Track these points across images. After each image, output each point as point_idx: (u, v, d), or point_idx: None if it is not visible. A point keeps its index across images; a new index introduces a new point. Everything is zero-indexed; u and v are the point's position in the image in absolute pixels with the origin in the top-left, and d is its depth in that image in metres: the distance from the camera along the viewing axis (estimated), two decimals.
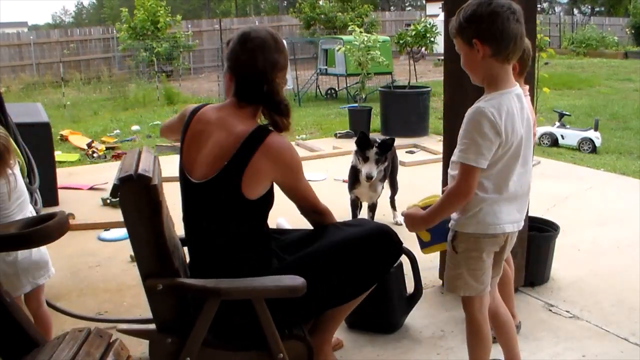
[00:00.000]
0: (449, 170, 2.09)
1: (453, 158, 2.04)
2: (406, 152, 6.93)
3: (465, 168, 1.89)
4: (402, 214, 2.12)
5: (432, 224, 2.05)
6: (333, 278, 2.15)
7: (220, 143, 2.03)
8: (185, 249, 2.26)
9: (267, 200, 2.10)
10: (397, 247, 2.28)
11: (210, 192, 2.03)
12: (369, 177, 3.64)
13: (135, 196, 1.81)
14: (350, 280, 2.19)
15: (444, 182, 2.37)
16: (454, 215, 2.04)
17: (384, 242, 2.25)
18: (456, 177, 1.93)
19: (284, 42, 2.14)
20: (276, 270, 2.09)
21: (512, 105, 1.93)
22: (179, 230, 2.23)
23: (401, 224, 3.94)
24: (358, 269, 2.19)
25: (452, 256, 2.08)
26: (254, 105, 2.10)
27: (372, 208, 4.03)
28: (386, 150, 3.67)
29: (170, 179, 3.62)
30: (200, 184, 2.04)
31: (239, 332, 2.07)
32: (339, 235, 2.23)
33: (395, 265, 2.77)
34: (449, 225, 2.07)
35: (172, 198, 2.20)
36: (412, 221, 2.07)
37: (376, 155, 3.63)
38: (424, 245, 2.16)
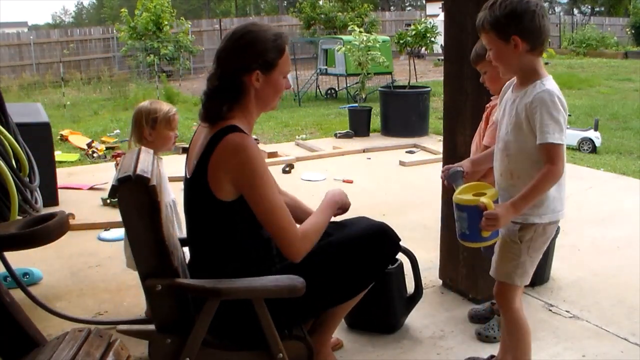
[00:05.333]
0: (504, 166, 2.06)
1: (512, 151, 2.03)
2: (406, 152, 6.94)
3: (553, 148, 1.91)
4: (486, 215, 1.94)
5: (521, 213, 2.00)
6: (332, 278, 2.15)
7: (200, 142, 2.06)
8: (186, 249, 2.27)
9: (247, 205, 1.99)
10: (395, 244, 2.28)
11: (191, 188, 2.07)
12: None
13: (134, 197, 1.81)
14: (349, 280, 2.20)
15: (443, 184, 2.35)
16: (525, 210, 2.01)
17: (382, 239, 2.25)
18: (548, 159, 1.92)
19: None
20: (276, 271, 2.09)
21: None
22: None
23: None
24: (357, 268, 2.19)
25: (513, 247, 2.08)
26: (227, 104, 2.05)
27: None
28: None
29: (175, 179, 3.65)
30: (188, 179, 2.08)
31: (239, 332, 2.07)
32: (337, 235, 2.23)
33: (395, 265, 2.78)
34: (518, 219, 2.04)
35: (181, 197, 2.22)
36: (504, 216, 1.95)
37: None
38: (479, 239, 2.01)
